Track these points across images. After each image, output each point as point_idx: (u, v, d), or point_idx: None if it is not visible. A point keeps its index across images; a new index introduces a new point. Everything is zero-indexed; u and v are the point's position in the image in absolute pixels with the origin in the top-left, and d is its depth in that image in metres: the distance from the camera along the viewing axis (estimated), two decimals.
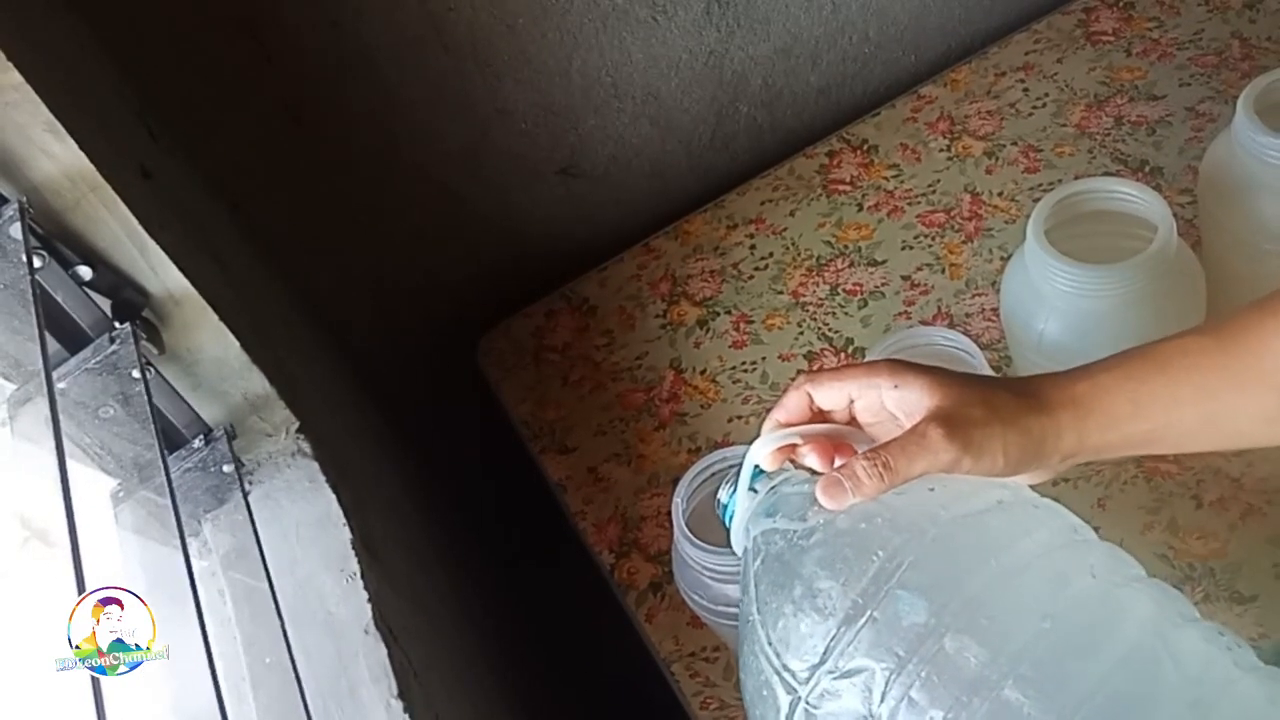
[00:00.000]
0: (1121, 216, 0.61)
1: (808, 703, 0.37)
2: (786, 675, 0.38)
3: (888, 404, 0.42)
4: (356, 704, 0.49)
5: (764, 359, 0.80)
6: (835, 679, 0.36)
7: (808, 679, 0.37)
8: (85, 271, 0.50)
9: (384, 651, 0.50)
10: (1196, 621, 0.38)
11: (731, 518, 0.44)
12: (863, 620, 0.37)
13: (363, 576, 0.52)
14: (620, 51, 0.84)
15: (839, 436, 0.43)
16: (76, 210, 0.49)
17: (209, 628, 0.45)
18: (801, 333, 0.81)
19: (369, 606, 0.51)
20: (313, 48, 0.73)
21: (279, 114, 0.75)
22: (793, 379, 0.45)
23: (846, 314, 0.81)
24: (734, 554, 0.53)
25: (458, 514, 0.99)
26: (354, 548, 0.53)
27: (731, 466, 0.57)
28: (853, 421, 0.44)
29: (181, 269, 0.52)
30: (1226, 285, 0.65)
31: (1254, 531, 0.62)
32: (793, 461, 0.43)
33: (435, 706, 0.52)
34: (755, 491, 0.43)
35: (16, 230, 0.47)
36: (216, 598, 0.53)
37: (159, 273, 0.52)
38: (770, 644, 0.39)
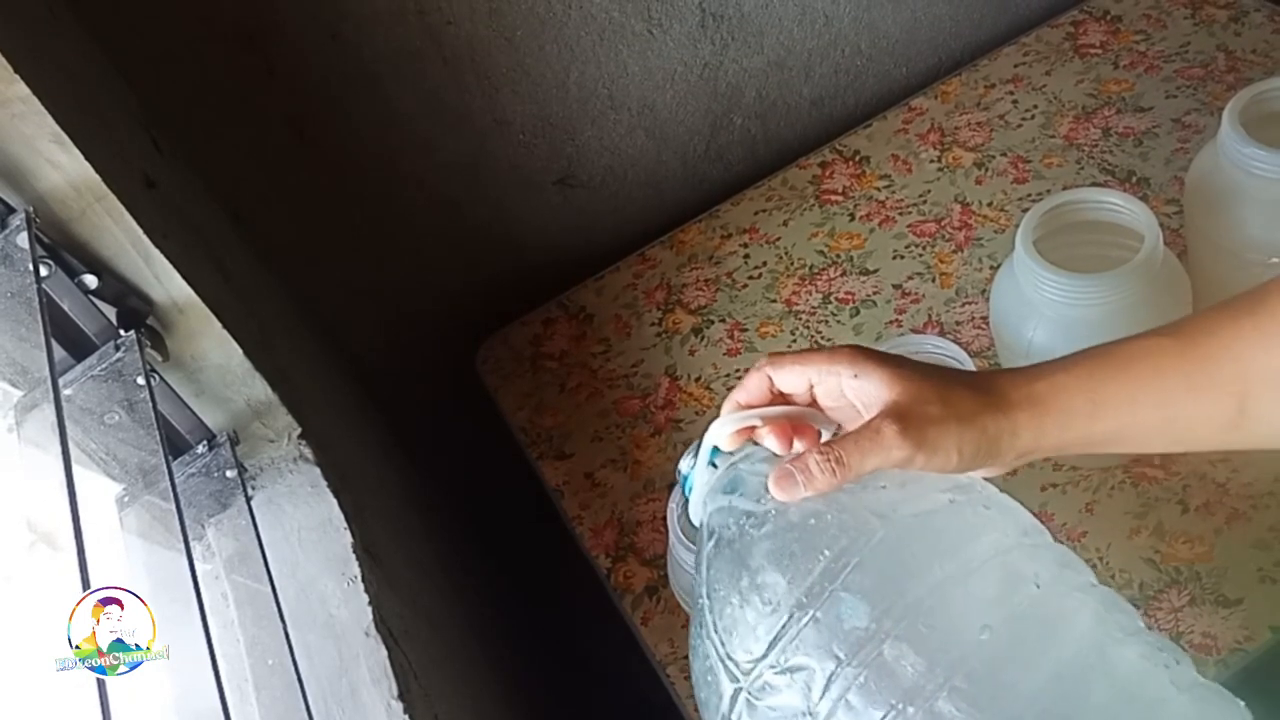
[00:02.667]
0: (1109, 226, 0.62)
1: (749, 693, 0.37)
2: (730, 664, 0.38)
3: (846, 392, 0.42)
4: (357, 705, 0.49)
5: None
6: (776, 673, 0.37)
7: (750, 670, 0.37)
8: (91, 280, 0.50)
9: (384, 653, 0.50)
10: (1139, 635, 0.38)
11: (690, 490, 0.44)
12: (806, 619, 0.37)
13: (363, 580, 0.53)
14: (617, 64, 0.85)
15: (799, 418, 0.43)
16: (82, 220, 0.49)
17: (212, 630, 0.45)
18: (795, 340, 0.82)
19: (370, 609, 0.52)
20: (314, 61, 0.74)
21: (281, 126, 0.76)
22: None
23: (839, 322, 0.82)
24: None
25: (457, 518, 0.99)
26: (355, 551, 0.54)
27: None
28: (814, 404, 0.44)
29: (185, 277, 0.52)
30: (1212, 293, 0.66)
31: (1239, 536, 0.63)
32: (753, 441, 0.43)
33: (435, 707, 0.53)
34: (715, 467, 0.43)
35: (23, 239, 0.47)
36: (220, 600, 0.53)
37: (163, 281, 0.52)
38: (717, 630, 0.39)
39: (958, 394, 0.40)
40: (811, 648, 0.36)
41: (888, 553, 0.38)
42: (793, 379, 0.43)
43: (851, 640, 0.36)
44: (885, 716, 0.35)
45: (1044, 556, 0.39)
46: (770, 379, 0.43)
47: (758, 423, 0.42)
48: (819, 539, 0.38)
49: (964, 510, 0.40)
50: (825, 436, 0.43)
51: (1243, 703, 0.36)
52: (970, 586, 0.37)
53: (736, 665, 0.38)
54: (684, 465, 0.45)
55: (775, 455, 0.42)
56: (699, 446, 0.44)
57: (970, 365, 0.60)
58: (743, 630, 0.38)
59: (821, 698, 0.36)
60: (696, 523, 0.44)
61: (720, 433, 0.43)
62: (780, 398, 0.44)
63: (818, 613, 0.37)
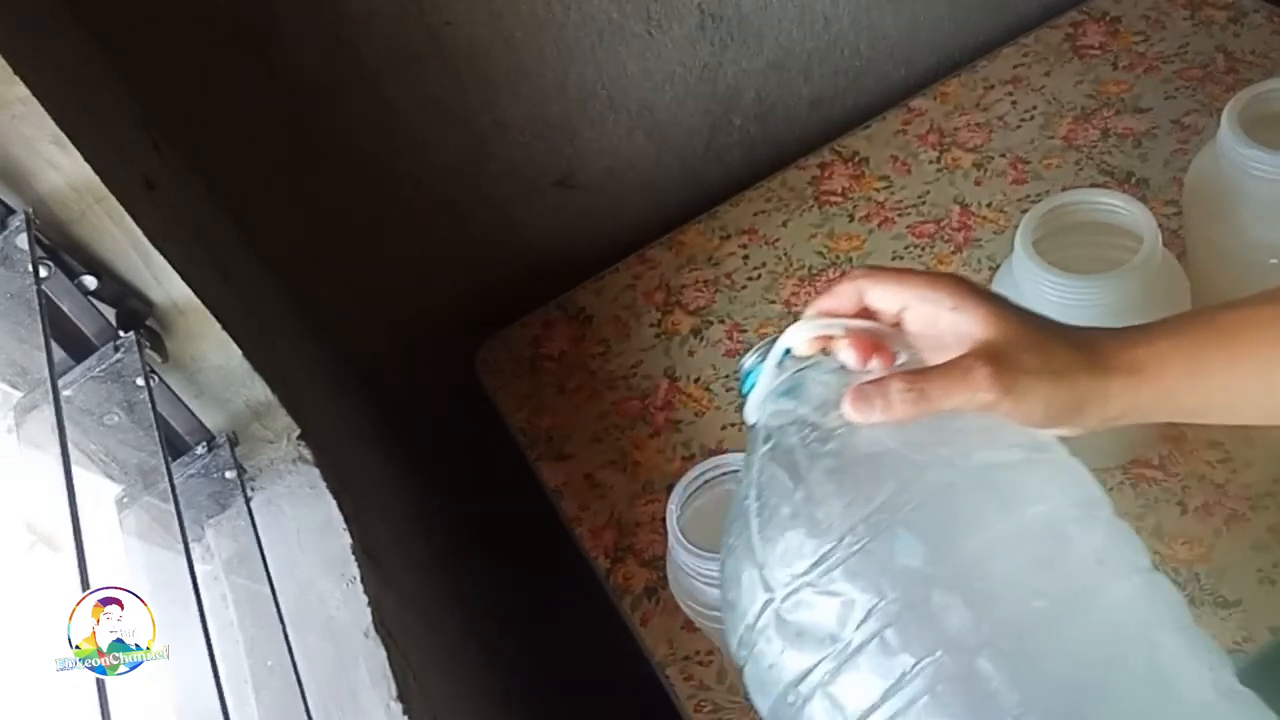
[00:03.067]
0: (1108, 227, 0.62)
1: (780, 606, 0.36)
2: (767, 573, 0.37)
3: (940, 323, 0.39)
4: (357, 706, 0.49)
5: None
6: (815, 593, 0.35)
7: (787, 585, 0.36)
8: (90, 281, 0.51)
9: (383, 654, 0.50)
10: (1188, 630, 0.36)
11: (752, 388, 0.42)
12: (857, 546, 0.35)
13: (363, 581, 0.53)
14: (616, 65, 0.85)
15: (881, 338, 0.41)
16: (82, 221, 0.50)
17: (212, 631, 0.46)
18: None
19: (369, 610, 0.52)
20: (314, 62, 0.74)
21: (281, 127, 0.76)
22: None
23: None
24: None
25: (456, 519, 0.99)
26: (354, 553, 0.54)
27: (725, 474, 0.59)
28: (899, 328, 0.41)
29: (185, 279, 0.52)
30: (1211, 294, 0.66)
31: (1238, 537, 0.63)
32: (826, 352, 0.41)
33: (434, 708, 0.53)
34: (782, 368, 0.41)
35: (23, 241, 0.47)
36: (219, 601, 0.53)
37: (162, 282, 0.52)
38: (759, 537, 0.37)
39: (1057, 347, 0.39)
40: (857, 576, 0.35)
41: (953, 499, 0.36)
42: (886, 297, 0.41)
43: (901, 578, 0.34)
44: (919, 662, 0.34)
45: (1107, 531, 0.38)
46: (862, 292, 0.41)
47: (839, 332, 0.40)
48: (885, 469, 0.37)
49: (1037, 469, 0.38)
50: (901, 360, 0.41)
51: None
52: (1031, 550, 0.35)
53: (774, 577, 0.36)
54: (748, 361, 0.43)
55: (846, 370, 0.40)
56: (769, 345, 0.42)
57: None
58: (788, 544, 0.36)
59: (857, 628, 0.34)
60: (751, 421, 0.42)
61: (798, 335, 0.41)
62: (865, 313, 0.42)
63: (871, 543, 0.35)
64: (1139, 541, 0.39)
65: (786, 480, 0.38)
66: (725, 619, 0.40)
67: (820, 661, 0.35)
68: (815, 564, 0.35)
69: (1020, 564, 0.35)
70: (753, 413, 0.42)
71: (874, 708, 0.34)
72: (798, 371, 0.41)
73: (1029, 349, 0.38)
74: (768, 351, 0.42)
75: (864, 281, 0.41)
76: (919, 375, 0.38)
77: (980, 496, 0.37)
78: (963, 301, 0.39)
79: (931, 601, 0.34)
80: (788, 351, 0.41)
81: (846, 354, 0.40)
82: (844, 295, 0.41)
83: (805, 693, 0.36)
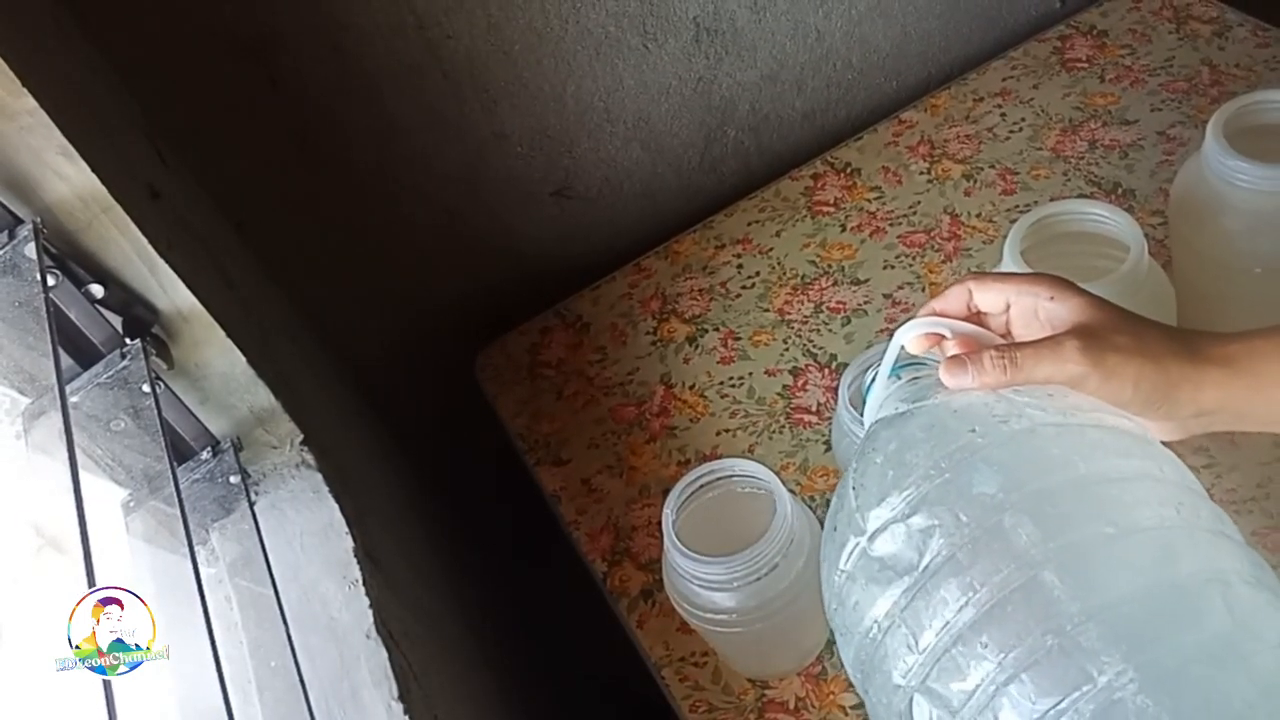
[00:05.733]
0: (1095, 237, 0.62)
1: (868, 543, 0.38)
2: (858, 518, 0.39)
3: (1040, 313, 0.42)
4: (358, 706, 0.50)
5: (750, 374, 0.82)
6: (898, 528, 0.37)
7: (875, 524, 0.38)
8: (97, 289, 0.51)
9: (385, 655, 0.51)
10: (1271, 591, 0.36)
11: (870, 396, 0.46)
12: (938, 480, 0.37)
13: (364, 583, 0.53)
14: (613, 78, 0.87)
15: (985, 340, 0.43)
16: (89, 230, 0.50)
17: (216, 632, 0.46)
18: (787, 349, 0.83)
19: (370, 612, 0.52)
20: (316, 74, 0.75)
21: (283, 137, 0.77)
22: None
23: (830, 331, 0.83)
24: (722, 562, 0.55)
25: (456, 523, 0.99)
26: (356, 556, 0.55)
27: (720, 479, 0.59)
28: (1007, 335, 0.44)
29: (190, 287, 0.53)
30: (1196, 303, 0.67)
31: None
32: (937, 353, 0.44)
33: (435, 709, 0.53)
34: (898, 378, 0.44)
35: (31, 250, 0.48)
36: (223, 603, 0.53)
37: (168, 291, 0.53)
38: (853, 491, 0.40)
39: (1150, 334, 0.40)
40: (936, 507, 0.37)
41: (1033, 442, 0.38)
42: (991, 296, 0.43)
43: (976, 505, 0.36)
44: (985, 579, 0.35)
45: (1185, 496, 0.38)
46: (970, 293, 0.44)
47: (946, 332, 0.43)
48: (971, 419, 0.39)
49: (1121, 435, 0.39)
50: None
51: None
52: (1106, 490, 0.37)
53: (863, 519, 0.39)
54: (871, 373, 0.47)
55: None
56: (882, 352, 0.45)
57: None
58: (878, 487, 0.39)
59: (933, 555, 0.36)
60: (869, 424, 0.45)
61: (908, 334, 0.44)
62: (975, 317, 0.44)
63: (950, 475, 0.37)
64: (1231, 524, 0.39)
65: (885, 437, 0.41)
66: (822, 579, 0.42)
67: (900, 592, 0.37)
68: (900, 502, 0.38)
69: (1095, 498, 0.36)
70: (871, 415, 0.45)
71: (945, 626, 0.36)
72: (914, 380, 0.44)
73: (1122, 331, 0.40)
74: (880, 359, 0.45)
75: (971, 284, 0.44)
76: (1011, 346, 0.40)
77: (1063, 443, 0.38)
78: (1060, 292, 0.42)
79: (1003, 523, 0.36)
80: (902, 360, 0.45)
81: (952, 352, 0.43)
82: (953, 298, 0.45)
83: (885, 625, 0.37)
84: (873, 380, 0.46)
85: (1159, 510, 0.37)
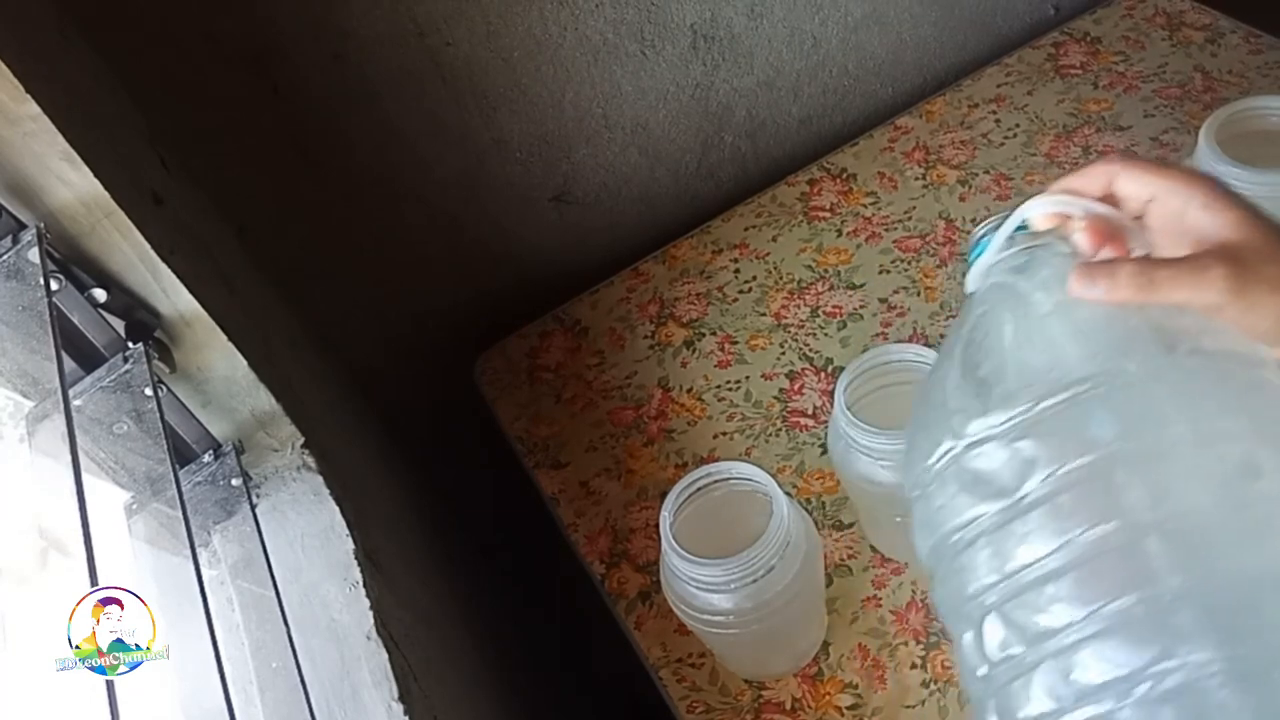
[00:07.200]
0: None
1: (963, 453, 0.36)
2: (956, 421, 0.37)
3: (1187, 219, 0.38)
4: (359, 706, 0.50)
5: (747, 378, 0.82)
6: (999, 447, 0.35)
7: (975, 435, 0.36)
8: (100, 294, 0.51)
9: (385, 656, 0.51)
10: None
11: (977, 255, 0.42)
12: (1054, 408, 0.35)
13: (365, 585, 0.54)
14: (611, 84, 0.87)
15: (1119, 228, 0.39)
16: (92, 235, 0.50)
17: (218, 633, 0.46)
18: (783, 353, 0.83)
19: (371, 614, 0.52)
20: (317, 81, 0.75)
21: (284, 144, 0.77)
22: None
23: (826, 335, 0.83)
24: (719, 564, 0.55)
25: (456, 525, 0.99)
26: (356, 557, 0.55)
27: (717, 481, 0.60)
28: (1139, 221, 0.40)
29: (192, 291, 0.53)
30: None
31: None
32: (1060, 234, 0.40)
33: (435, 709, 0.54)
34: (1012, 242, 0.41)
35: (34, 255, 0.48)
36: (225, 605, 0.54)
37: (170, 295, 0.53)
38: (955, 388, 0.38)
39: None
40: (1045, 437, 0.35)
41: (1160, 387, 0.35)
42: (1137, 185, 0.39)
43: (1089, 448, 0.34)
44: (1086, 530, 0.33)
45: None
46: (1113, 176, 0.40)
47: (1078, 213, 0.39)
48: (1097, 344, 0.36)
49: (1249, 384, 0.37)
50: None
51: None
52: (1227, 449, 0.34)
53: (963, 425, 0.37)
54: (980, 230, 0.43)
55: (1073, 256, 0.39)
56: (1002, 219, 0.41)
57: None
58: (983, 397, 0.36)
59: (1034, 487, 0.34)
60: (971, 290, 0.42)
61: (1037, 207, 0.40)
62: (1110, 200, 0.40)
63: (1068, 409, 0.35)
64: None
65: (995, 341, 0.38)
66: (905, 458, 0.40)
67: (991, 511, 0.35)
68: (1007, 421, 0.35)
69: (1213, 461, 0.34)
70: (975, 280, 0.42)
71: (1034, 562, 0.34)
72: (1027, 248, 0.40)
73: (1273, 260, 0.36)
74: (1000, 224, 0.41)
75: (1117, 165, 0.39)
76: (1150, 262, 0.37)
77: (1185, 392, 0.35)
78: (1216, 200, 0.37)
79: (1114, 477, 0.34)
80: (1021, 226, 0.41)
81: (1080, 236, 0.39)
82: (1093, 176, 0.40)
83: (969, 537, 0.36)
84: (982, 238, 0.42)
85: (1275, 488, 0.34)
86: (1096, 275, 0.37)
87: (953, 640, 0.38)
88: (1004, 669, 0.35)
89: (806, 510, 0.71)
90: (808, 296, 0.86)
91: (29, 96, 0.45)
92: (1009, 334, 0.38)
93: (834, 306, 0.85)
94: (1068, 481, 0.34)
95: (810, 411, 0.79)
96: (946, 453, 0.37)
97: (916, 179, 0.93)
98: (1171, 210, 0.39)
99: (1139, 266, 0.37)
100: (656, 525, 0.70)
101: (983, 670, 0.36)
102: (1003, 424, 0.36)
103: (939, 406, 0.38)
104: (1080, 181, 0.40)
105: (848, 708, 0.63)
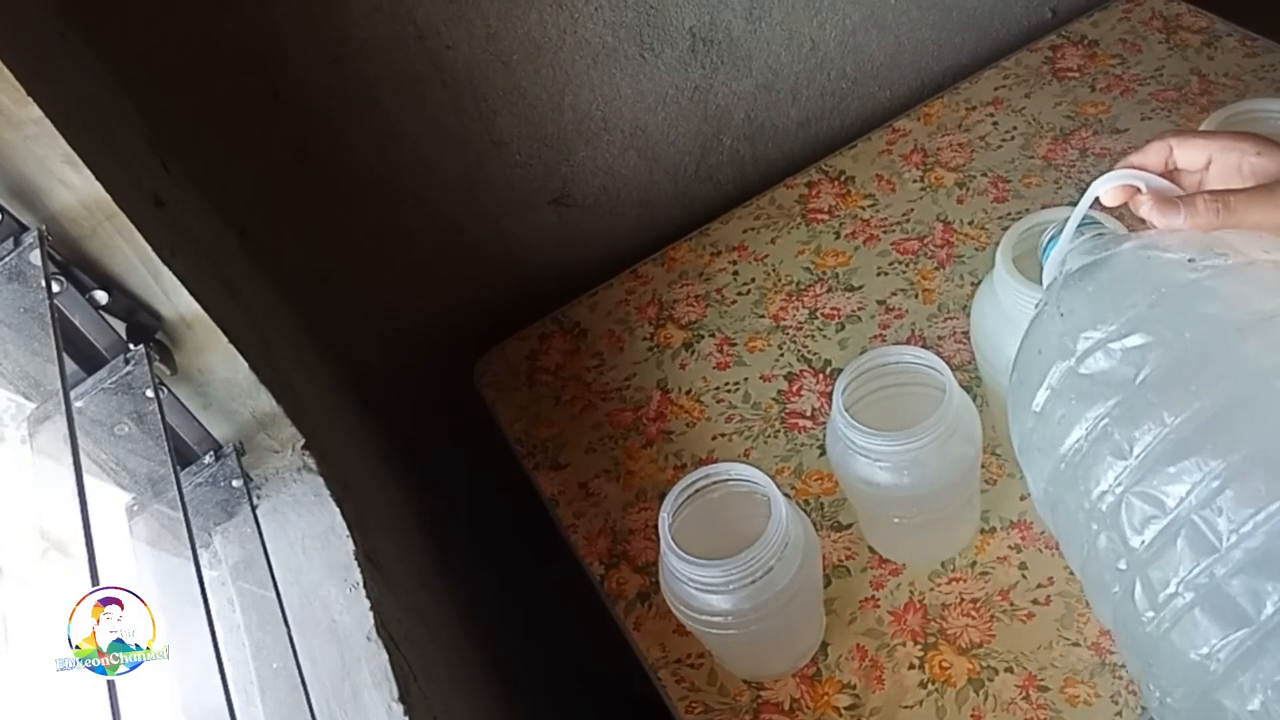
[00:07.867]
0: None
1: (1075, 364, 0.39)
2: (1067, 340, 0.40)
3: (1244, 168, 0.42)
4: (359, 707, 0.50)
5: (746, 380, 0.82)
6: (1109, 348, 0.38)
7: (1087, 345, 0.39)
8: (101, 296, 0.51)
9: (385, 657, 0.51)
10: None
11: (1053, 248, 0.46)
12: (1157, 303, 0.38)
13: (365, 586, 0.54)
14: (610, 87, 0.87)
15: (1175, 200, 0.43)
16: (93, 238, 0.51)
17: (219, 634, 0.46)
18: (782, 355, 0.83)
19: (371, 614, 0.53)
20: (318, 83, 0.75)
21: (285, 146, 0.77)
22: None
23: (825, 337, 0.84)
24: (717, 565, 0.55)
25: (455, 526, 1.00)
26: (356, 559, 0.55)
27: (715, 482, 0.60)
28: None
29: (193, 293, 0.53)
30: None
31: None
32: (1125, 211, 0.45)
33: (435, 709, 0.54)
34: (1080, 233, 0.45)
35: (36, 257, 0.48)
36: (226, 606, 0.54)
37: (171, 297, 0.53)
38: (1060, 317, 0.41)
39: None
40: (1155, 325, 0.38)
41: (1254, 274, 0.39)
42: (1194, 152, 0.44)
43: (1199, 323, 0.37)
44: (1211, 385, 0.36)
45: None
46: (1171, 149, 0.44)
47: (1142, 186, 0.44)
48: (1186, 252, 0.39)
49: None
50: None
51: None
52: None
53: (1073, 340, 0.40)
54: (1047, 231, 0.48)
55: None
56: (1063, 223, 0.46)
57: (951, 377, 0.62)
58: (1087, 311, 0.40)
59: (1154, 368, 0.37)
60: (1048, 281, 0.46)
61: (1105, 184, 0.44)
62: (1173, 175, 0.45)
63: (1171, 298, 0.38)
64: None
65: (1096, 273, 0.41)
66: (1012, 403, 0.43)
67: (1111, 404, 0.38)
68: (1116, 323, 0.39)
69: None
70: (1052, 269, 0.46)
71: (1163, 432, 0.36)
72: (1097, 236, 0.45)
73: None
74: (1062, 227, 0.46)
75: (1173, 140, 0.44)
76: (1221, 190, 0.41)
77: (1276, 276, 0.39)
78: (1266, 147, 0.42)
79: (1230, 337, 0.37)
80: (1089, 218, 0.45)
81: (1146, 208, 0.43)
82: (1153, 153, 0.45)
83: (1093, 438, 0.38)
84: (1052, 238, 0.46)
85: None
86: (1175, 204, 0.41)
87: (1077, 568, 0.40)
88: (1145, 550, 0.36)
89: (805, 511, 0.72)
90: (806, 298, 0.87)
91: (31, 99, 0.45)
92: (1105, 265, 0.42)
93: (832, 308, 0.85)
94: (1184, 351, 0.37)
95: (808, 413, 0.79)
96: (1059, 372, 0.40)
97: (914, 181, 0.93)
98: (1229, 163, 0.43)
99: (1214, 194, 0.40)
100: (655, 526, 0.70)
101: (1123, 563, 0.37)
102: (1111, 328, 0.39)
103: (1049, 338, 0.41)
104: (1142, 158, 0.45)
105: (846, 708, 0.63)
